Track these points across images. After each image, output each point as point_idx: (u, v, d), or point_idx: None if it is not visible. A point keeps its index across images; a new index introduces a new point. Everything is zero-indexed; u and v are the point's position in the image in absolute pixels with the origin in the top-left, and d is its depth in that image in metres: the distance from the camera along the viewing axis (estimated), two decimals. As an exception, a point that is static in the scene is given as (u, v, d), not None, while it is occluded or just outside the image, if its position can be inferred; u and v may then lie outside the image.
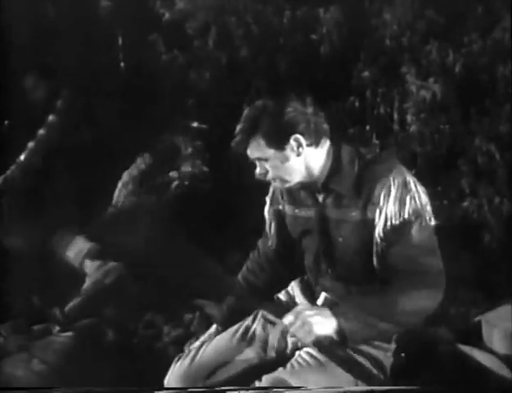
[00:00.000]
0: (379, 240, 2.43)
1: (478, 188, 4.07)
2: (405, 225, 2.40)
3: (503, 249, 3.88)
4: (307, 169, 2.49)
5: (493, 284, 3.68)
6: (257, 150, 2.46)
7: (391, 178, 2.41)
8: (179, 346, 3.29)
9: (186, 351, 2.76)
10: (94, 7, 5.36)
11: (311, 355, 2.54)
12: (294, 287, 2.79)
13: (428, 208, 2.46)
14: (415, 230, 2.41)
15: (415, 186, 2.44)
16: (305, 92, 2.46)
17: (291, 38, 4.96)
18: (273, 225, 2.78)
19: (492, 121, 4.16)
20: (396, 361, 2.59)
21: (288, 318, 2.36)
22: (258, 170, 2.52)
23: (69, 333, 3.38)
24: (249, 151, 2.48)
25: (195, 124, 4.86)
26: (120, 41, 5.30)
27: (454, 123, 4.26)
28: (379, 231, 2.42)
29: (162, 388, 2.73)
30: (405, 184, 2.42)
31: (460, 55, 4.41)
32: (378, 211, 2.42)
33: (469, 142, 4.18)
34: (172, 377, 2.71)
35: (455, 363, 3.01)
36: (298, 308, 2.41)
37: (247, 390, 2.52)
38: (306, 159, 2.47)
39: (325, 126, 2.49)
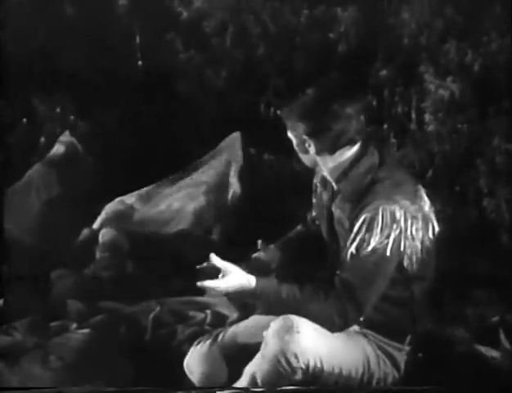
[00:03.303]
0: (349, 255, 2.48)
1: (496, 188, 4.05)
2: (372, 254, 2.45)
3: (521, 249, 3.86)
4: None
5: (510, 284, 3.65)
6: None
7: (380, 208, 2.44)
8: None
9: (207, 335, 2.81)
10: (111, 6, 5.38)
11: None
12: None
13: (413, 252, 2.49)
14: (374, 262, 2.45)
15: (406, 223, 2.46)
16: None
17: (308, 37, 4.97)
18: (314, 198, 2.87)
19: (511, 120, 4.13)
20: (410, 360, 2.60)
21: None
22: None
23: (85, 330, 3.38)
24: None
25: None
26: (138, 40, 5.32)
27: (472, 122, 4.24)
28: (351, 251, 2.47)
29: (178, 387, 2.76)
30: (393, 220, 2.44)
31: (479, 54, 4.39)
32: (356, 229, 2.46)
33: (487, 141, 4.16)
34: (191, 359, 2.76)
35: (472, 364, 3.00)
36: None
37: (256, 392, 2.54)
38: (319, 159, 2.59)
39: (350, 136, 2.53)
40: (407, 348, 2.62)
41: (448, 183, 4.06)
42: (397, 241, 2.45)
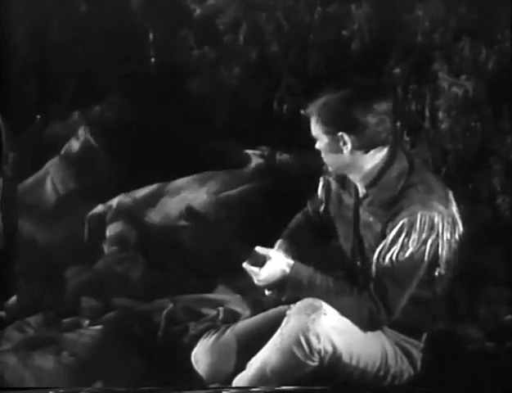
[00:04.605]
0: (385, 261, 2.48)
1: (510, 186, 4.04)
2: (409, 260, 2.45)
3: (535, 248, 3.84)
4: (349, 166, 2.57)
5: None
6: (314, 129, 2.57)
7: (419, 214, 2.43)
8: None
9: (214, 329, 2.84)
10: (125, 3, 5.39)
11: None
12: None
13: (446, 255, 2.51)
14: (410, 268, 2.47)
15: (443, 229, 2.47)
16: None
17: (322, 34, 4.96)
18: (323, 193, 2.83)
19: (525, 119, 4.13)
20: (425, 358, 2.60)
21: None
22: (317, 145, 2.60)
23: (98, 327, 3.39)
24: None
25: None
26: (151, 36, 5.32)
27: (486, 120, 4.23)
28: (389, 256, 2.47)
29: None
30: (432, 226, 2.45)
31: (493, 52, 4.37)
32: (394, 234, 2.46)
33: (500, 139, 4.15)
34: (199, 351, 2.78)
35: (485, 362, 3.00)
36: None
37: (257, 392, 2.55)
38: (352, 159, 2.54)
39: (384, 136, 2.52)
40: (422, 345, 2.62)
41: (462, 182, 4.05)
42: (434, 247, 2.46)
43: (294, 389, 2.54)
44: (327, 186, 2.80)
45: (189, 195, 4.58)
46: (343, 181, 2.70)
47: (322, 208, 2.83)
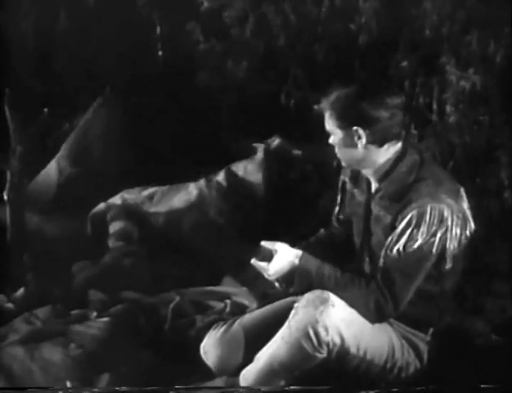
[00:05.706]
0: (393, 252, 2.49)
1: (518, 180, 4.03)
2: (417, 251, 2.46)
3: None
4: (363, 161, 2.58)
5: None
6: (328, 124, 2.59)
7: (428, 206, 2.44)
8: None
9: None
10: (133, -4, 5.40)
11: None
12: None
13: (453, 250, 2.51)
14: (418, 259, 2.48)
15: (452, 223, 2.47)
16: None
17: (329, 28, 4.95)
18: (340, 195, 2.86)
19: (532, 112, 4.11)
20: (432, 351, 2.61)
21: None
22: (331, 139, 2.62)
23: (106, 319, 3.40)
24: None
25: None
26: (159, 30, 5.33)
27: (493, 114, 4.21)
28: (398, 247, 2.48)
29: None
30: (441, 219, 2.45)
31: (501, 45, 4.36)
32: (403, 226, 2.47)
33: (508, 133, 4.14)
34: (208, 343, 2.80)
35: (491, 355, 3.00)
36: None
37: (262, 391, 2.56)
38: (366, 153, 2.55)
39: (397, 130, 2.52)
40: (429, 338, 2.63)
41: (469, 175, 4.04)
42: (442, 240, 2.47)
43: (301, 388, 2.55)
44: (343, 187, 2.81)
45: (192, 187, 4.59)
46: (356, 178, 2.72)
47: (337, 209, 2.85)
